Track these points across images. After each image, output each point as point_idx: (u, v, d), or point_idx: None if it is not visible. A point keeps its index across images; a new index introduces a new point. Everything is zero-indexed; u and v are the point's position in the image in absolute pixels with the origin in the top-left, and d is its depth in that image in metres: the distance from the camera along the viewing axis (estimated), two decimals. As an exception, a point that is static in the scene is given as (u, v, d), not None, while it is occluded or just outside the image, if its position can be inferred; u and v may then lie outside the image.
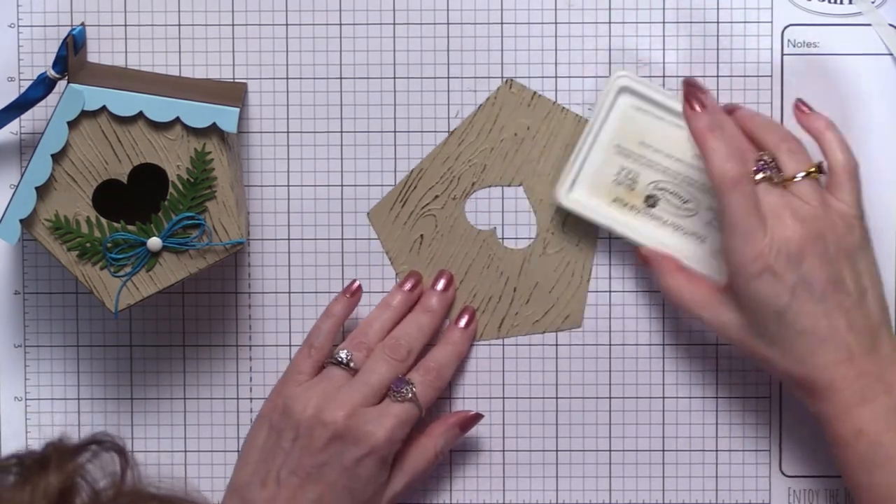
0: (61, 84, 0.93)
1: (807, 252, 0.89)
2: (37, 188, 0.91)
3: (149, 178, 0.92)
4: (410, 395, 0.94)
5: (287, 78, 0.98)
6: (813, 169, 0.91)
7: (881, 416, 0.88)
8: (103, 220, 0.92)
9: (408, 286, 0.97)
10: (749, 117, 0.94)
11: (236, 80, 0.98)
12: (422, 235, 0.98)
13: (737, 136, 0.91)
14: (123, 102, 0.91)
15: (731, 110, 0.94)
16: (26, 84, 0.96)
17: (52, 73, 0.94)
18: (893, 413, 0.88)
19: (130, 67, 0.98)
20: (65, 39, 0.92)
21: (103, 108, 0.91)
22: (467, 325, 0.98)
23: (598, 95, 0.97)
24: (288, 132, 0.99)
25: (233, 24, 0.98)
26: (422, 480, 0.98)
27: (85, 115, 0.91)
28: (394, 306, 0.97)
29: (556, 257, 0.99)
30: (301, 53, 0.98)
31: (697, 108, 0.91)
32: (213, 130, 0.92)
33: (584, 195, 0.96)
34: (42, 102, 0.95)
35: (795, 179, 0.90)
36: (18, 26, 0.98)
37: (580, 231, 0.98)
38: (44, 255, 0.98)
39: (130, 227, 0.92)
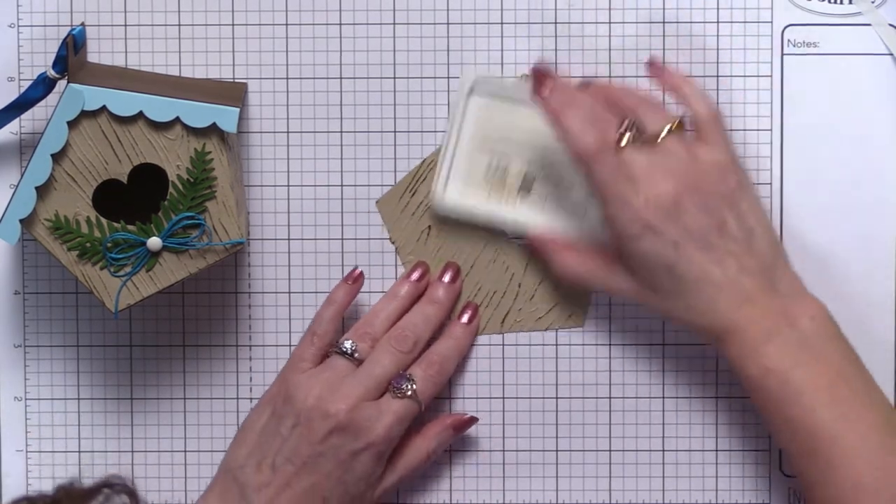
0: (61, 84, 0.93)
1: (684, 204, 0.89)
2: (37, 188, 0.91)
3: (149, 178, 0.92)
4: (411, 391, 0.94)
5: (287, 78, 0.98)
6: (676, 123, 0.91)
7: (787, 351, 0.89)
8: (103, 220, 0.92)
9: (415, 276, 0.97)
10: (603, 88, 0.94)
11: (236, 80, 0.98)
12: (429, 227, 0.98)
13: (592, 107, 0.91)
14: (123, 102, 0.91)
15: (585, 86, 0.94)
16: (26, 84, 0.96)
17: (52, 73, 0.94)
18: (798, 347, 0.89)
19: (130, 67, 0.98)
20: (65, 39, 0.92)
21: (103, 108, 0.91)
22: (470, 320, 0.98)
23: (451, 98, 0.97)
24: (288, 132, 0.99)
25: (233, 24, 0.98)
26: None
27: (85, 115, 0.91)
28: (400, 296, 0.97)
29: (557, 257, 0.99)
30: (301, 53, 0.98)
31: (546, 91, 0.91)
32: (213, 130, 0.92)
33: (458, 196, 0.97)
34: (42, 102, 0.95)
35: (660, 137, 0.90)
36: (18, 26, 0.98)
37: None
38: (44, 255, 0.98)
39: (130, 227, 0.92)
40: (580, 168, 0.91)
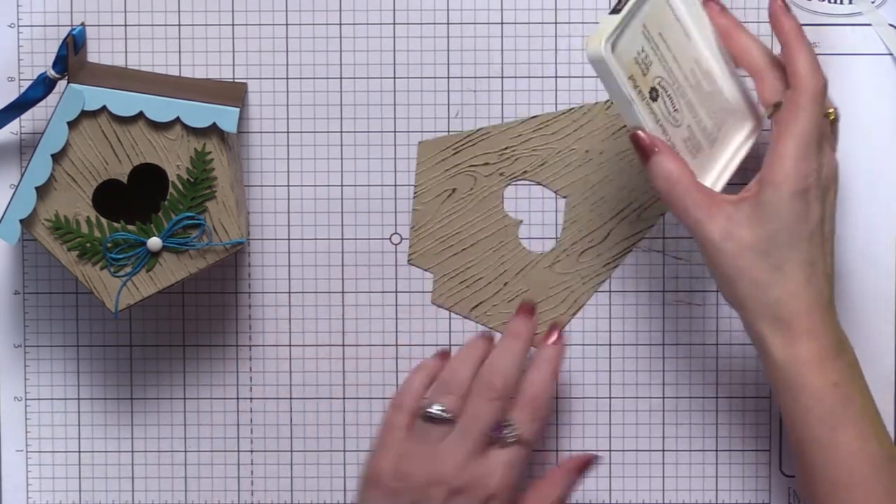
0: (61, 84, 0.93)
1: (831, 189, 0.90)
2: (37, 188, 0.91)
3: (149, 178, 0.92)
4: (513, 438, 0.92)
5: (287, 78, 0.98)
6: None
7: (849, 371, 0.88)
8: (103, 220, 0.92)
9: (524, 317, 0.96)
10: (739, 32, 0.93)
11: (236, 80, 0.98)
12: (455, 189, 0.98)
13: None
14: (123, 102, 0.91)
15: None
16: (26, 84, 0.96)
17: (52, 73, 0.94)
18: (855, 372, 0.89)
19: (130, 67, 0.98)
20: (65, 39, 0.92)
21: (103, 108, 0.91)
22: (557, 340, 0.96)
23: None
24: (288, 132, 0.99)
25: (233, 24, 0.98)
26: None
27: (85, 115, 0.91)
28: (478, 346, 0.95)
29: (557, 278, 0.99)
30: (301, 53, 0.98)
31: (789, 6, 0.91)
32: (213, 130, 0.92)
33: (611, 55, 0.90)
34: (42, 102, 0.95)
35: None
36: (18, 26, 0.98)
37: (595, 266, 0.98)
38: (44, 255, 0.99)
39: (130, 227, 0.92)
40: (798, 100, 0.89)
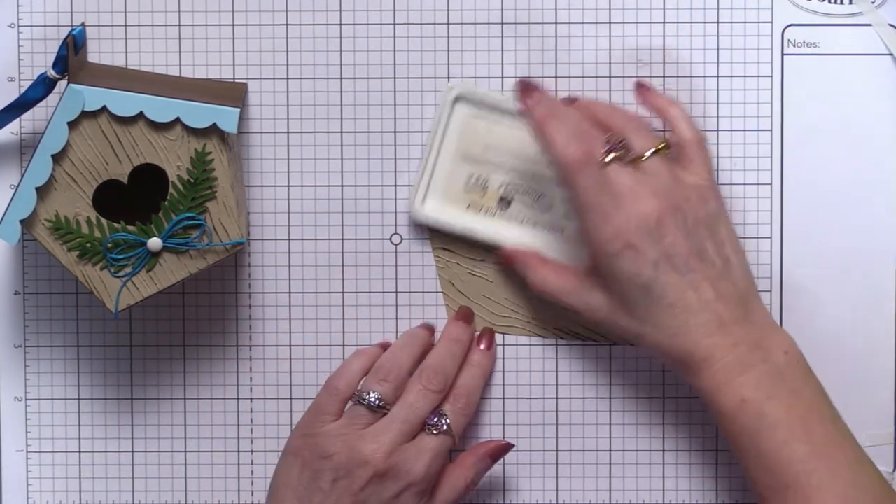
0: (61, 84, 0.93)
1: (666, 225, 0.89)
2: (37, 188, 0.91)
3: (149, 178, 0.92)
4: (445, 427, 0.94)
5: (287, 78, 0.98)
6: (662, 145, 0.91)
7: (762, 383, 0.88)
8: (103, 221, 0.92)
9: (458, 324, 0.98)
10: (590, 104, 0.94)
11: (236, 80, 0.98)
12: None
13: (578, 120, 0.91)
14: (123, 102, 0.91)
15: (571, 101, 0.95)
16: (26, 84, 0.96)
17: (52, 73, 0.94)
18: (772, 379, 0.89)
19: (130, 67, 0.98)
20: (65, 39, 0.92)
21: (103, 108, 0.91)
22: (488, 346, 0.98)
23: (436, 108, 0.97)
24: (288, 132, 0.99)
25: (233, 24, 0.98)
26: None
27: (85, 115, 0.91)
28: (420, 338, 0.97)
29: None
30: (301, 53, 0.98)
31: (532, 100, 0.91)
32: (214, 130, 0.92)
33: (438, 205, 0.97)
34: (42, 102, 0.95)
35: (645, 157, 0.90)
36: (18, 26, 0.98)
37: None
38: (44, 255, 0.98)
39: (130, 228, 0.92)
40: (562, 180, 0.90)
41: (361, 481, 0.92)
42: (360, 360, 0.96)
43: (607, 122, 0.92)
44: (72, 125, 0.91)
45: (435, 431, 0.93)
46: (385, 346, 0.98)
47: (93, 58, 0.98)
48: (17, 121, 0.97)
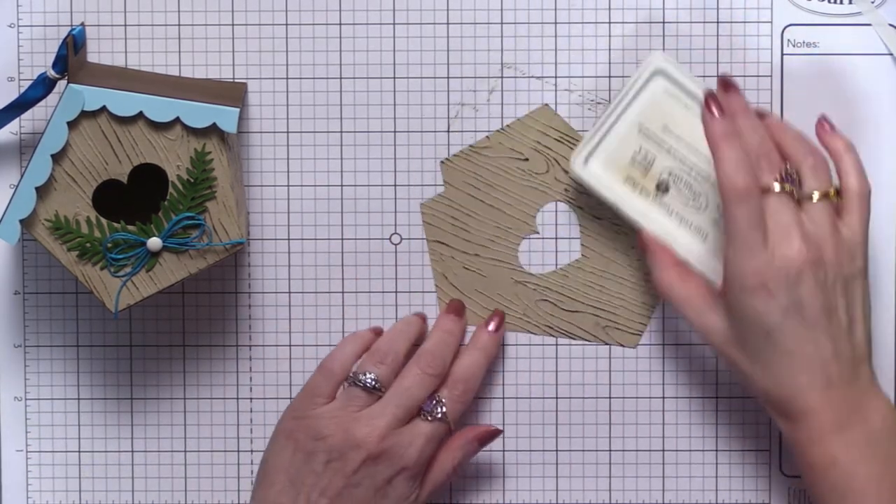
0: (61, 84, 0.93)
1: (805, 276, 0.88)
2: (37, 188, 0.91)
3: (149, 178, 0.92)
4: (440, 413, 0.94)
5: (287, 78, 0.98)
6: (831, 191, 0.90)
7: (856, 445, 0.88)
8: (103, 220, 0.92)
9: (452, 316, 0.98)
10: (778, 128, 0.93)
11: (236, 80, 0.98)
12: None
13: (759, 141, 0.90)
14: (123, 102, 0.91)
15: (761, 115, 0.93)
16: (26, 84, 0.96)
17: (52, 73, 0.94)
18: (868, 444, 0.88)
19: (130, 67, 0.98)
20: (65, 39, 0.92)
21: (103, 108, 0.91)
22: (497, 328, 0.98)
23: (634, 71, 0.96)
24: (288, 132, 0.99)
25: (233, 24, 0.98)
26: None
27: (85, 115, 0.91)
28: (418, 322, 0.97)
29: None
30: (301, 53, 0.98)
31: (715, 112, 0.90)
32: (213, 130, 0.92)
33: (599, 168, 0.95)
34: (42, 102, 0.95)
35: (812, 199, 0.90)
36: (18, 26, 0.98)
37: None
38: (44, 255, 0.99)
39: (130, 227, 0.92)
40: (723, 200, 0.89)
41: (354, 464, 0.92)
42: (355, 343, 0.96)
43: (788, 151, 0.91)
44: (71, 125, 0.91)
45: (430, 418, 0.93)
46: (378, 332, 0.98)
47: (92, 58, 0.98)
48: (16, 121, 0.97)
